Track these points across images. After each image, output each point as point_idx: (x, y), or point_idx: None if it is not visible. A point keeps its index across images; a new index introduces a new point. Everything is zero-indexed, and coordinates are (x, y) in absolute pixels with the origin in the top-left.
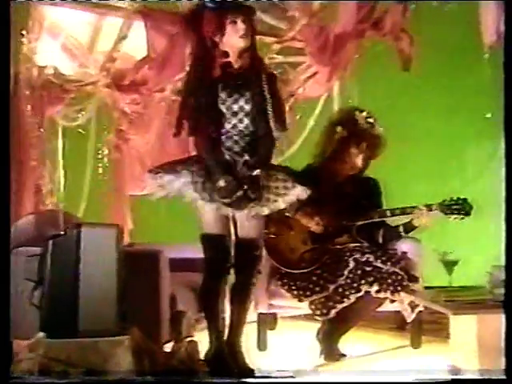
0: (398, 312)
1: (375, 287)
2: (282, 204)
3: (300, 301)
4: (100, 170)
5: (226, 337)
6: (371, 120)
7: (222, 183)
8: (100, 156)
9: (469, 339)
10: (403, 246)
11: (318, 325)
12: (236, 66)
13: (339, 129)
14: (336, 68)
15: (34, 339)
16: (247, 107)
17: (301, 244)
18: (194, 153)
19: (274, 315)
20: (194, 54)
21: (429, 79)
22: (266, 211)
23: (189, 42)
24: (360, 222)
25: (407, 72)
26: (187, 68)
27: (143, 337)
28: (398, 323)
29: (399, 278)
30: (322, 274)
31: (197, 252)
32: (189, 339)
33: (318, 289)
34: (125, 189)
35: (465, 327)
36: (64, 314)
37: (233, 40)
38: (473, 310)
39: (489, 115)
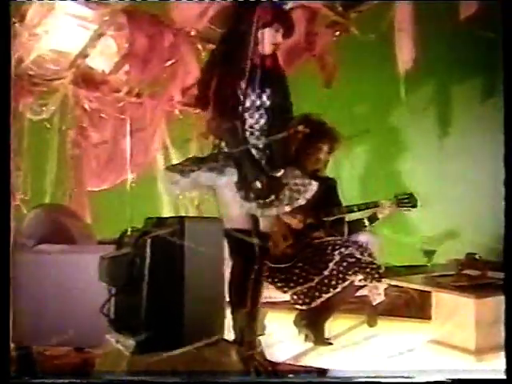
0: None
1: (360, 276)
2: (302, 201)
3: (284, 292)
4: (62, 165)
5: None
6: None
7: (258, 185)
8: (62, 151)
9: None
10: (363, 237)
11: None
12: (261, 62)
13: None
14: None
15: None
16: (268, 103)
17: (282, 240)
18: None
19: None
20: (230, 40)
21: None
22: (287, 209)
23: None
24: (332, 218)
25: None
26: (215, 48)
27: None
28: None
29: (375, 266)
30: (304, 266)
31: None
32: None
33: (301, 280)
34: (84, 184)
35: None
36: (166, 323)
37: (272, 40)
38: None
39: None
